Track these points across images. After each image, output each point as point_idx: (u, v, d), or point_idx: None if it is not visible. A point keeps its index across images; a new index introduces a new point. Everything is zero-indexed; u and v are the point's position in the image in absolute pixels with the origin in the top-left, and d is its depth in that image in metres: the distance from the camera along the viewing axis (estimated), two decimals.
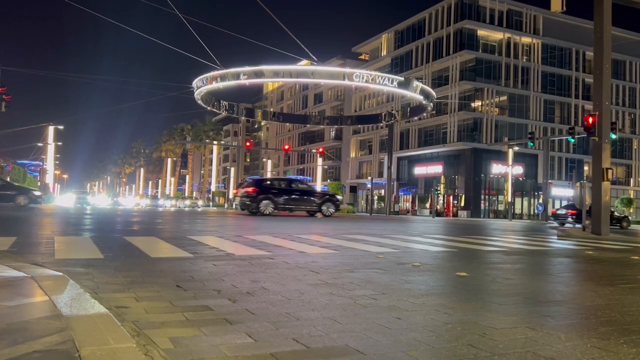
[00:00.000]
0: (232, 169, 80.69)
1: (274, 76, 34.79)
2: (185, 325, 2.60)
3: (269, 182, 23.68)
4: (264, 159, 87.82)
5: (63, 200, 48.79)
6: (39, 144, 55.25)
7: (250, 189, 21.74)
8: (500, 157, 48.99)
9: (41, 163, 56.25)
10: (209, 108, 41.23)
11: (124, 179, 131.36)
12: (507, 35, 54.02)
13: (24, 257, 4.87)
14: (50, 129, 50.80)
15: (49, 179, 51.18)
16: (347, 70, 37.20)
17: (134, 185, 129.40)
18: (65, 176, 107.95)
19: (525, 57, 55.39)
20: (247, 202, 21.73)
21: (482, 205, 52.80)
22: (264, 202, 21.11)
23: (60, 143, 56.78)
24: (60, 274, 3.57)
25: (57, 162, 67.59)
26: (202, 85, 33.64)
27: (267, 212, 21.08)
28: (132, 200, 65.95)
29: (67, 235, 8.02)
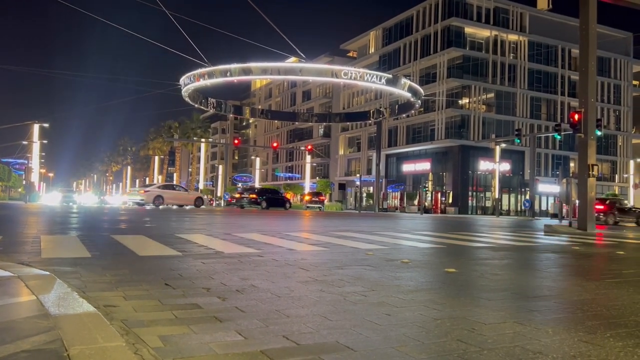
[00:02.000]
0: (220, 167, 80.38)
1: (262, 73, 34.65)
2: (175, 323, 2.58)
3: (618, 204, 29.90)
4: (253, 157, 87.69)
5: (49, 199, 48.34)
6: (24, 142, 54.56)
7: (602, 207, 27.05)
8: (488, 153, 49.38)
9: (26, 161, 55.44)
10: (196, 105, 41.02)
11: (111, 177, 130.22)
12: (494, 32, 54.36)
13: (9, 257, 4.81)
14: (36, 127, 50.15)
15: (35, 177, 50.45)
16: (335, 67, 37.25)
17: (120, 184, 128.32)
18: (51, 174, 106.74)
19: (512, 54, 55.78)
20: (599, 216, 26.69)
21: (470, 201, 53.15)
22: (612, 216, 27.33)
23: (45, 141, 56.11)
24: (48, 273, 3.53)
25: (43, 160, 66.76)
26: (190, 83, 33.43)
27: (611, 223, 26.61)
28: (119, 198, 65.45)
29: (53, 234, 7.93)
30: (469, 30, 54.09)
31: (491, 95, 54.79)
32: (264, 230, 10.47)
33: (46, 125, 51.50)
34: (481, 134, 52.49)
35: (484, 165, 52.18)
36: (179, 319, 2.68)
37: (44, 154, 63.19)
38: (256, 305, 3.05)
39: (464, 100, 53.82)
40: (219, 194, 69.28)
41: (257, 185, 70.69)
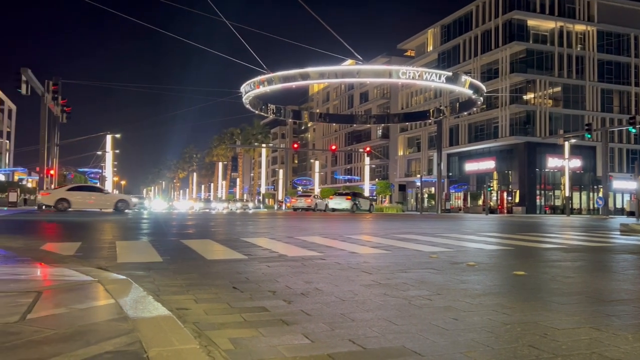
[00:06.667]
0: (281, 171, 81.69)
1: (319, 77, 35.02)
2: (244, 326, 2.66)
3: None
4: (312, 160, 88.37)
5: None
6: (98, 153, 57.76)
7: None
8: (556, 150, 47.22)
9: (100, 170, 58.73)
10: (257, 112, 41.97)
11: (178, 184, 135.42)
12: (560, 23, 52.02)
13: (89, 262, 5.11)
14: (108, 138, 52.97)
15: (108, 185, 53.37)
16: (393, 67, 36.95)
17: (187, 190, 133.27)
18: (123, 182, 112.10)
19: (579, 45, 53.16)
20: None
21: (538, 200, 51.08)
22: None
23: (117, 151, 59.14)
24: (124, 277, 3.72)
25: (115, 169, 70.37)
26: (250, 90, 34.26)
27: None
28: (187, 204, 67.90)
29: (127, 240, 8.35)
30: (532, 22, 52.07)
31: (558, 89, 52.44)
32: (325, 233, 10.54)
33: (118, 135, 54.26)
34: (548, 129, 50.34)
35: (552, 162, 50.00)
36: (248, 321, 2.75)
37: (116, 163, 66.65)
38: (321, 308, 3.09)
39: (529, 96, 51.83)
40: (280, 198, 70.33)
41: (316, 189, 71.24)
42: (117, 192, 58.63)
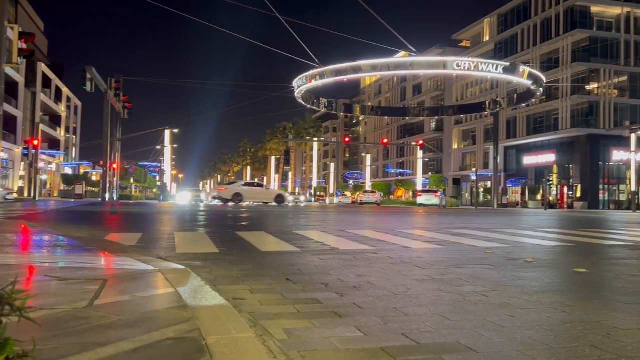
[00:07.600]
0: (332, 165, 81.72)
1: (371, 70, 34.72)
2: (297, 317, 2.70)
3: None
4: (363, 154, 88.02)
5: (180, 198, 52.58)
6: (157, 147, 59.88)
7: None
8: (621, 142, 44.85)
9: (159, 164, 60.82)
10: (308, 106, 42.21)
11: (233, 177, 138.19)
12: (626, 9, 49.21)
13: (149, 252, 5.33)
14: (167, 133, 54.79)
15: (167, 179, 55.31)
16: (448, 58, 36.15)
17: None
18: (180, 176, 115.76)
19: None
20: None
21: (601, 195, 48.75)
22: None
23: (176, 145, 61.09)
24: (183, 267, 3.86)
25: (174, 163, 72.70)
26: (302, 85, 34.47)
27: None
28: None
29: (185, 231, 8.64)
30: (595, 9, 49.53)
31: (624, 78, 49.71)
32: (376, 227, 10.50)
33: (176, 130, 56.05)
34: (612, 121, 47.87)
35: (617, 155, 47.55)
36: (301, 313, 2.80)
37: (174, 157, 68.85)
38: (373, 302, 3.09)
39: (592, 86, 49.42)
40: (331, 192, 70.56)
41: (368, 183, 70.89)
42: (275, 188, 66.25)
